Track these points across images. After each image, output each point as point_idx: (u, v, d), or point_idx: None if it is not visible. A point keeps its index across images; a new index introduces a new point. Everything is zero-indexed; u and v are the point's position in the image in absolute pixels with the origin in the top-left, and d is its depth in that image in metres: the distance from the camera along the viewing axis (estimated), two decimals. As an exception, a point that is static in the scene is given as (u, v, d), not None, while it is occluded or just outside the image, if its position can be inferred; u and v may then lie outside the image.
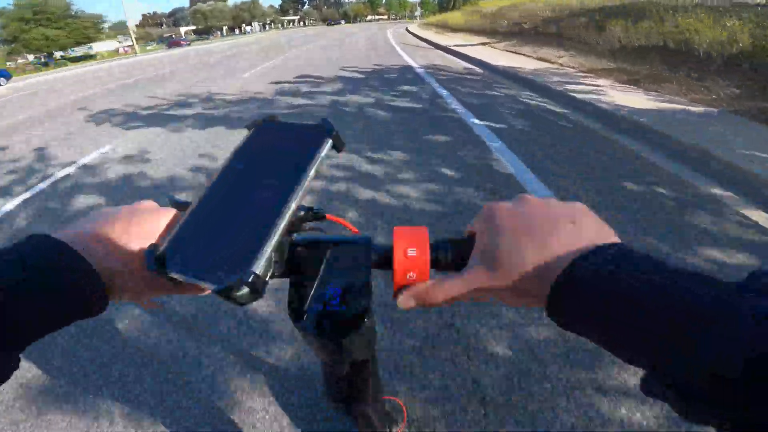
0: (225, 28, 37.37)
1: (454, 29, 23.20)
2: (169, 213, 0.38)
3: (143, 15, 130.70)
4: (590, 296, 0.26)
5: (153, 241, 0.35)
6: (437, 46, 15.99)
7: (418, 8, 54.07)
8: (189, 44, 43.65)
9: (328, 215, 0.46)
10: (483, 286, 0.33)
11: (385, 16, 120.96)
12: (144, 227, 0.36)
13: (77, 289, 0.31)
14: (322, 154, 0.37)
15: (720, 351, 0.21)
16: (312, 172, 0.36)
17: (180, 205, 0.40)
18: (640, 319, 0.24)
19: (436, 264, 0.36)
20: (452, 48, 13.22)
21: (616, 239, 0.31)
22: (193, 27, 71.51)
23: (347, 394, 0.57)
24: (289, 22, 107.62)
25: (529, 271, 0.30)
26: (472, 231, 0.36)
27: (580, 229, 0.31)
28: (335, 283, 0.39)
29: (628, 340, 0.25)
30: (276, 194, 0.34)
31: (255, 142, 0.40)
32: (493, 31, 16.00)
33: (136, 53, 48.62)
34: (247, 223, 0.34)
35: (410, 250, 0.35)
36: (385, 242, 0.39)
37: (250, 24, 70.34)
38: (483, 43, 13.80)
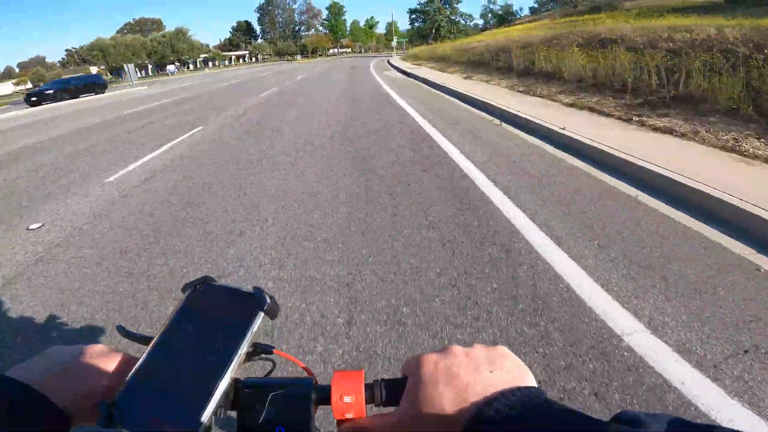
0: (132, 66, 25.26)
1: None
2: (117, 357, 0.43)
3: (67, 51, 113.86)
4: None
5: (104, 383, 0.41)
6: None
7: (395, 39, 42.37)
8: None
9: (275, 350, 0.49)
10: (409, 426, 0.39)
11: (349, 49, 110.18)
12: (95, 372, 0.41)
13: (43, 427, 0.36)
14: (254, 329, 0.41)
15: None
16: (245, 346, 0.40)
17: (130, 335, 0.47)
18: None
19: (372, 400, 0.42)
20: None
21: (530, 382, 0.38)
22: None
23: None
24: (238, 58, 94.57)
25: (447, 415, 0.36)
26: (405, 374, 0.42)
27: (499, 374, 0.38)
28: (280, 422, 0.41)
29: None
30: (215, 359, 0.39)
31: (193, 304, 0.44)
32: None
33: None
34: (192, 379, 0.38)
35: (346, 397, 0.41)
36: (326, 384, 0.43)
37: (174, 63, 57.00)
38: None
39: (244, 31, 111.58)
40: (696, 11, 15.67)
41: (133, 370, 0.39)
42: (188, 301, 0.44)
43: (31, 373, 0.38)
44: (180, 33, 59.43)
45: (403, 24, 53.89)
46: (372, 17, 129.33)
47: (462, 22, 59.27)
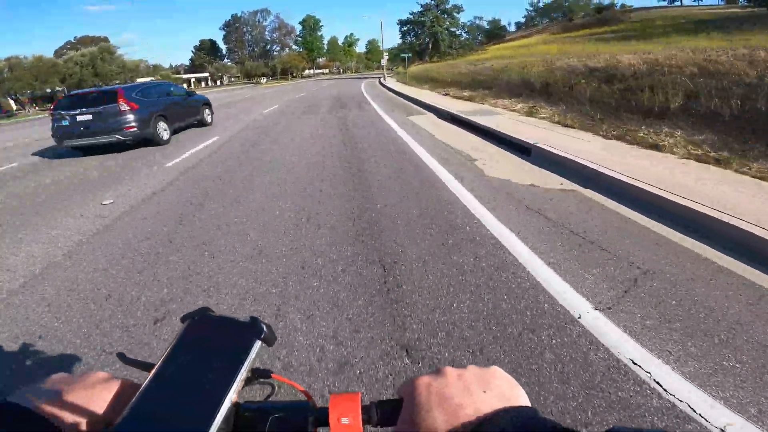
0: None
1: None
2: (118, 384, 0.44)
3: None
4: None
5: (105, 410, 0.42)
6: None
7: (385, 57, 32.16)
8: None
9: (273, 374, 0.50)
10: None
11: (326, 69, 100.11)
12: (97, 398, 0.42)
13: None
14: (252, 356, 0.44)
15: None
16: (244, 371, 0.42)
17: (131, 362, 0.48)
18: None
19: (369, 422, 0.42)
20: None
21: (523, 401, 0.39)
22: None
23: None
24: (199, 81, 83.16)
25: None
26: (401, 395, 0.43)
27: (491, 394, 0.38)
28: None
29: None
30: (215, 385, 0.40)
31: (192, 334, 0.46)
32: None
33: None
34: (192, 405, 0.39)
35: (343, 419, 0.41)
36: (323, 406, 0.44)
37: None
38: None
39: (207, 50, 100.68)
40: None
41: (136, 396, 0.39)
42: (187, 331, 0.46)
43: (33, 398, 0.39)
44: (105, 52, 46.94)
45: (391, 39, 43.98)
46: (351, 34, 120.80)
47: (464, 35, 49.45)
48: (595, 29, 42.98)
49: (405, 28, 52.80)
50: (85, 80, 42.02)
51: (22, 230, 4.27)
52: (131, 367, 0.48)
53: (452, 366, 0.43)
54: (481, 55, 37.64)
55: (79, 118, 8.22)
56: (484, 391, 0.39)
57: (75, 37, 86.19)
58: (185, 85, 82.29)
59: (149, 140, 8.79)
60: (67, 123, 8.26)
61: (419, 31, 50.79)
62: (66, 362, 2.14)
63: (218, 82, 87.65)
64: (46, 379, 0.43)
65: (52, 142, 8.98)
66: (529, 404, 0.39)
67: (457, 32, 49.33)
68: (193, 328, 0.46)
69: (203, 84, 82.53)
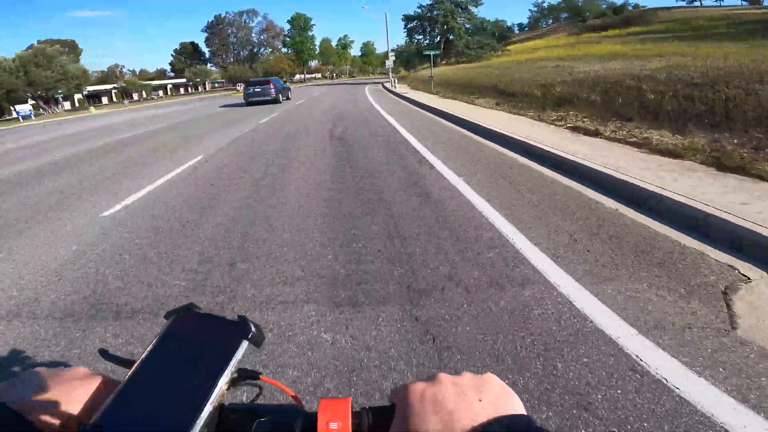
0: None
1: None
2: (98, 380, 0.44)
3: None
4: None
5: (84, 406, 0.41)
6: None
7: (390, 57, 24.78)
8: None
9: (262, 376, 0.48)
10: None
11: (318, 74, 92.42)
12: (75, 394, 0.41)
13: None
14: (239, 357, 0.42)
15: None
16: (229, 372, 0.40)
17: (112, 358, 0.46)
18: None
19: (359, 428, 0.40)
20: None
21: (518, 409, 0.38)
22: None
23: None
24: (177, 87, 74.88)
25: None
26: (393, 401, 0.42)
27: (486, 402, 0.38)
28: None
29: None
30: (198, 385, 0.38)
31: (177, 331, 0.44)
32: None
33: None
34: (174, 404, 0.37)
35: (332, 424, 0.39)
36: (312, 410, 0.42)
37: (34, 100, 35.05)
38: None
39: (189, 54, 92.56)
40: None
41: (114, 393, 0.38)
42: (171, 328, 0.44)
43: (10, 393, 0.39)
44: (42, 56, 37.88)
45: (393, 38, 37.57)
46: (346, 35, 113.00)
47: (482, 32, 41.15)
48: (622, 30, 36.91)
49: (411, 25, 44.48)
50: (15, 91, 33.54)
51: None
52: (113, 363, 0.46)
53: (446, 373, 0.43)
54: (510, 57, 30.61)
55: (255, 89, 21.34)
56: (479, 399, 0.38)
57: (38, 41, 77.79)
58: (160, 92, 74.23)
59: (277, 101, 21.07)
60: (250, 91, 21.38)
61: (429, 29, 43.27)
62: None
63: (199, 88, 79.31)
64: (24, 374, 0.42)
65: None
66: (524, 412, 0.38)
67: (473, 29, 41.42)
68: (178, 325, 0.44)
69: (183, 90, 73.80)
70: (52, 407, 0.39)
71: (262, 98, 20.93)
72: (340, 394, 1.74)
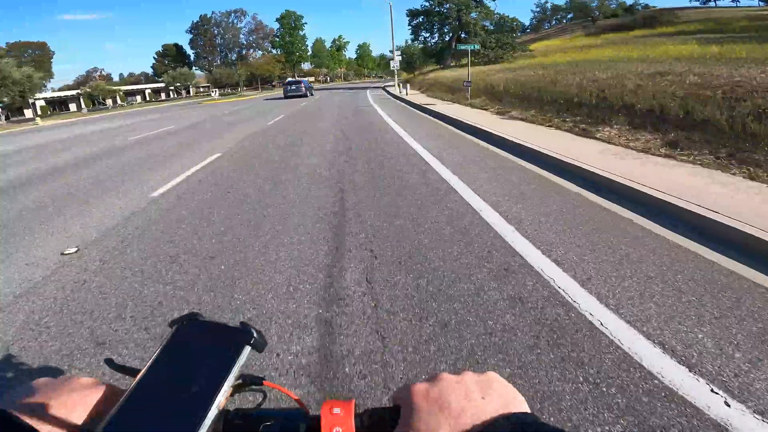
0: None
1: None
2: (102, 389, 0.43)
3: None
4: None
5: (89, 415, 0.40)
6: None
7: (397, 58, 19.34)
8: None
9: (265, 382, 0.48)
10: None
11: (312, 77, 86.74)
12: (81, 404, 0.41)
13: None
14: (242, 362, 0.42)
15: None
16: (232, 377, 0.40)
17: (117, 368, 0.46)
18: None
19: (362, 430, 0.41)
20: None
21: (522, 407, 0.38)
22: None
23: None
24: (156, 93, 68.76)
25: None
26: (396, 403, 0.41)
27: (490, 401, 0.37)
28: None
29: None
30: (202, 391, 0.38)
31: (180, 339, 0.44)
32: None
33: None
34: (178, 411, 0.37)
35: (336, 429, 0.39)
36: (316, 414, 0.43)
37: None
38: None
39: (173, 56, 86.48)
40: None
41: (119, 402, 0.38)
42: (175, 336, 0.44)
43: (15, 402, 0.39)
44: None
45: (394, 38, 32.38)
46: (340, 36, 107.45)
47: (505, 31, 35.16)
48: (648, 30, 32.23)
49: (417, 21, 38.82)
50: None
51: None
52: (119, 373, 0.46)
53: (448, 372, 0.42)
54: (536, 58, 25.52)
55: (292, 87, 31.32)
56: (483, 397, 0.38)
57: (6, 43, 71.51)
58: (138, 97, 67.98)
59: (306, 96, 29.71)
60: (288, 89, 31.04)
61: (439, 25, 37.99)
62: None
63: (183, 93, 73.10)
64: (29, 384, 0.42)
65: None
66: (528, 410, 0.38)
67: (490, 26, 35.85)
68: (181, 333, 0.45)
69: (163, 95, 67.48)
70: (58, 416, 0.38)
71: (296, 93, 30.58)
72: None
